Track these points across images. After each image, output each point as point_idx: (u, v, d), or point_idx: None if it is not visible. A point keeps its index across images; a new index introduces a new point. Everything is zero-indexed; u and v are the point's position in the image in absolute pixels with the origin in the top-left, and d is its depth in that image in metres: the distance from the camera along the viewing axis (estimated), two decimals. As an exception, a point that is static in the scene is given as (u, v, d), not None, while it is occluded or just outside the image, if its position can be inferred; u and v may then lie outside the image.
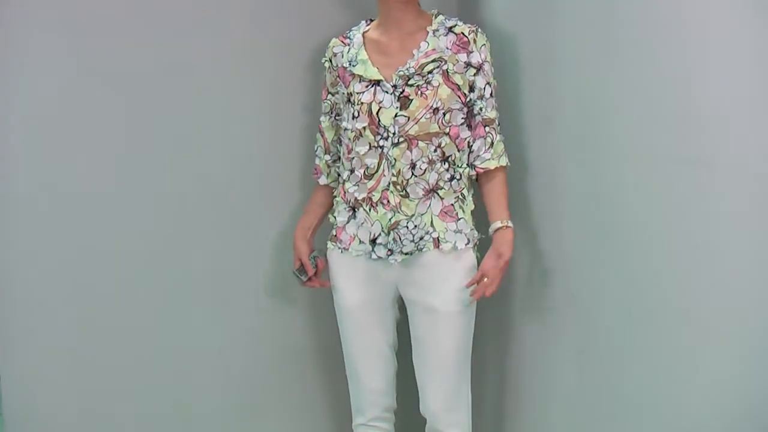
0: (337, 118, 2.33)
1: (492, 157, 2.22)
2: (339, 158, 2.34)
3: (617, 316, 2.01)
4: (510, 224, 2.20)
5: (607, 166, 2.01)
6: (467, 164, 2.24)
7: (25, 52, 2.29)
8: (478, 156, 2.22)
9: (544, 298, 2.31)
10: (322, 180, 2.38)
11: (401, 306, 2.32)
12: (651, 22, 1.83)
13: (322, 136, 2.37)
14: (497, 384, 2.54)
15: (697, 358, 1.78)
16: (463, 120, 2.20)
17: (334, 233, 2.29)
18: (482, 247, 2.27)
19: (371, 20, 2.30)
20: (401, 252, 2.19)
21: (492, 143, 2.22)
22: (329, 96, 2.33)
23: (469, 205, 2.25)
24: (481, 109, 2.21)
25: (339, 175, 2.32)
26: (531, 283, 2.36)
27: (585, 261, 2.13)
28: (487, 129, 2.22)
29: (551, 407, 2.32)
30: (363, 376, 2.30)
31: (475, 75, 2.20)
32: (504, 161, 2.24)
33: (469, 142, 2.22)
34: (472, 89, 2.20)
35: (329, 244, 2.31)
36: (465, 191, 2.24)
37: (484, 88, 2.21)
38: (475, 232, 2.25)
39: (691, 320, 1.78)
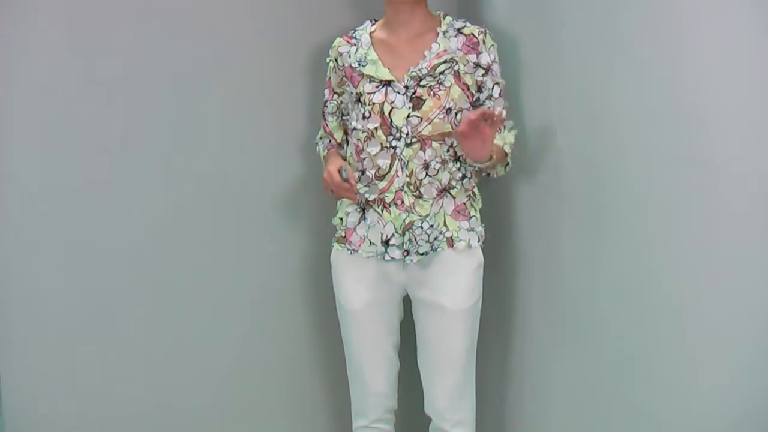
0: (343, 117, 2.32)
1: (500, 140, 2.20)
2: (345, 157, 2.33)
3: (617, 315, 2.01)
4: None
5: (607, 165, 2.01)
6: None
7: (24, 52, 2.28)
8: None
9: (545, 297, 2.31)
10: (343, 152, 2.34)
11: (404, 306, 2.32)
12: (652, 22, 1.83)
13: (332, 136, 2.35)
14: (499, 383, 2.54)
15: (697, 358, 1.77)
16: None
17: (343, 234, 2.27)
18: (487, 247, 2.28)
19: (375, 20, 2.29)
20: (417, 252, 2.19)
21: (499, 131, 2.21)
22: (335, 96, 2.31)
23: (479, 202, 2.28)
24: (491, 108, 2.21)
25: None
26: (532, 283, 2.37)
27: (586, 260, 2.13)
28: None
29: (552, 407, 2.32)
30: (367, 378, 2.30)
31: (483, 75, 2.21)
32: (507, 149, 2.21)
33: None
34: (479, 89, 2.22)
35: (336, 245, 2.29)
36: (475, 189, 2.27)
37: (493, 88, 2.22)
38: (483, 229, 2.26)
39: (691, 320, 1.78)
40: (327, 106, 2.34)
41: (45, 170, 2.34)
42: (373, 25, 2.28)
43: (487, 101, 2.22)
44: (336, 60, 2.27)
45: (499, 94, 2.23)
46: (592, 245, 2.10)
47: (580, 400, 2.19)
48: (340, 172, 2.16)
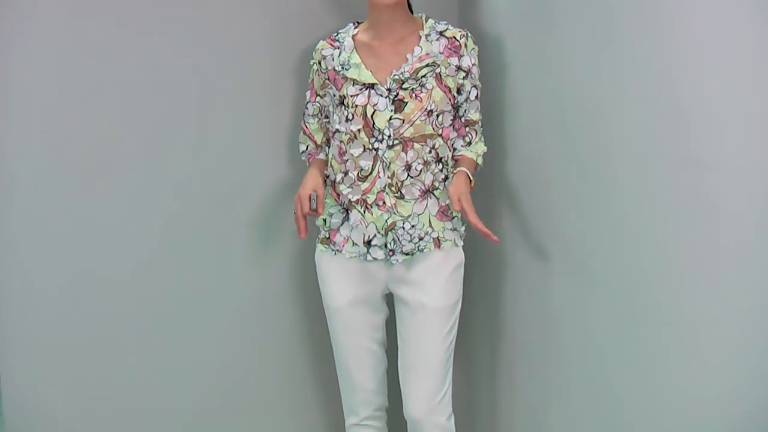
0: (325, 119, 2.34)
1: (469, 151, 2.28)
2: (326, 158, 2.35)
3: (615, 316, 2.00)
4: (464, 170, 2.22)
5: (606, 166, 2.00)
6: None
7: (23, 53, 2.29)
8: (456, 149, 2.29)
9: (540, 298, 2.31)
10: (321, 155, 2.38)
11: (390, 303, 2.34)
12: (650, 22, 1.82)
13: (311, 138, 2.38)
14: (491, 383, 2.54)
15: (697, 358, 1.77)
16: (451, 121, 2.25)
17: (327, 236, 2.30)
18: (475, 247, 2.28)
19: (359, 23, 2.31)
20: (402, 252, 2.19)
21: (470, 142, 2.29)
22: (317, 98, 2.33)
23: None
24: (465, 111, 2.26)
25: (328, 176, 2.32)
26: (526, 283, 2.37)
27: (583, 262, 2.12)
28: (468, 129, 2.29)
29: (547, 407, 2.32)
30: (354, 375, 2.32)
31: (464, 78, 2.23)
32: (480, 160, 2.30)
33: (453, 142, 2.27)
34: (459, 91, 2.24)
35: (320, 246, 2.32)
36: None
37: (470, 91, 2.25)
38: (464, 229, 2.30)
39: (691, 321, 1.77)
40: (308, 108, 2.36)
41: (44, 170, 2.34)
42: (355, 27, 2.30)
43: (464, 104, 2.25)
44: (319, 63, 2.29)
45: (476, 97, 2.26)
46: (588, 245, 2.10)
47: (574, 402, 2.19)
48: (310, 198, 2.22)
